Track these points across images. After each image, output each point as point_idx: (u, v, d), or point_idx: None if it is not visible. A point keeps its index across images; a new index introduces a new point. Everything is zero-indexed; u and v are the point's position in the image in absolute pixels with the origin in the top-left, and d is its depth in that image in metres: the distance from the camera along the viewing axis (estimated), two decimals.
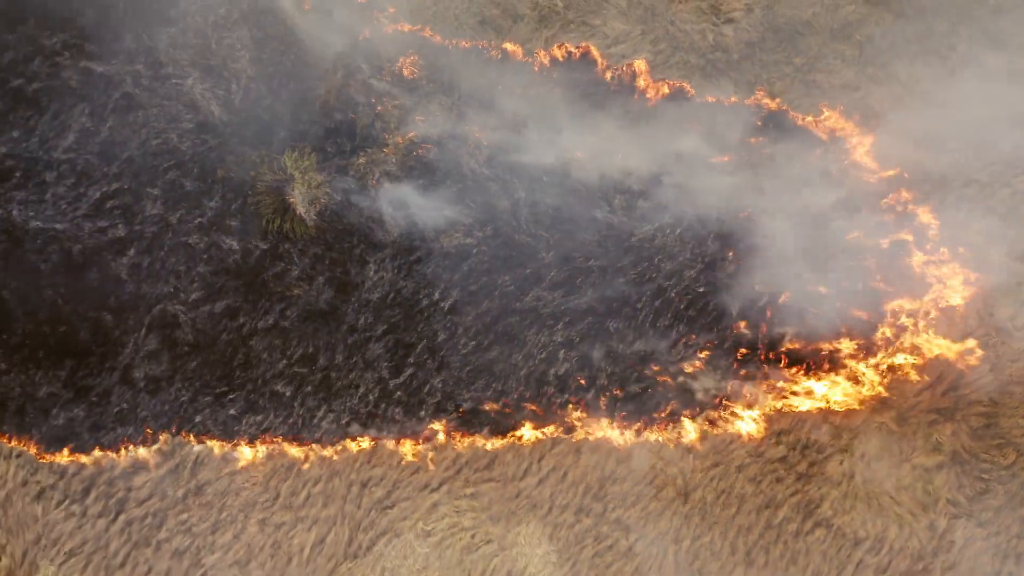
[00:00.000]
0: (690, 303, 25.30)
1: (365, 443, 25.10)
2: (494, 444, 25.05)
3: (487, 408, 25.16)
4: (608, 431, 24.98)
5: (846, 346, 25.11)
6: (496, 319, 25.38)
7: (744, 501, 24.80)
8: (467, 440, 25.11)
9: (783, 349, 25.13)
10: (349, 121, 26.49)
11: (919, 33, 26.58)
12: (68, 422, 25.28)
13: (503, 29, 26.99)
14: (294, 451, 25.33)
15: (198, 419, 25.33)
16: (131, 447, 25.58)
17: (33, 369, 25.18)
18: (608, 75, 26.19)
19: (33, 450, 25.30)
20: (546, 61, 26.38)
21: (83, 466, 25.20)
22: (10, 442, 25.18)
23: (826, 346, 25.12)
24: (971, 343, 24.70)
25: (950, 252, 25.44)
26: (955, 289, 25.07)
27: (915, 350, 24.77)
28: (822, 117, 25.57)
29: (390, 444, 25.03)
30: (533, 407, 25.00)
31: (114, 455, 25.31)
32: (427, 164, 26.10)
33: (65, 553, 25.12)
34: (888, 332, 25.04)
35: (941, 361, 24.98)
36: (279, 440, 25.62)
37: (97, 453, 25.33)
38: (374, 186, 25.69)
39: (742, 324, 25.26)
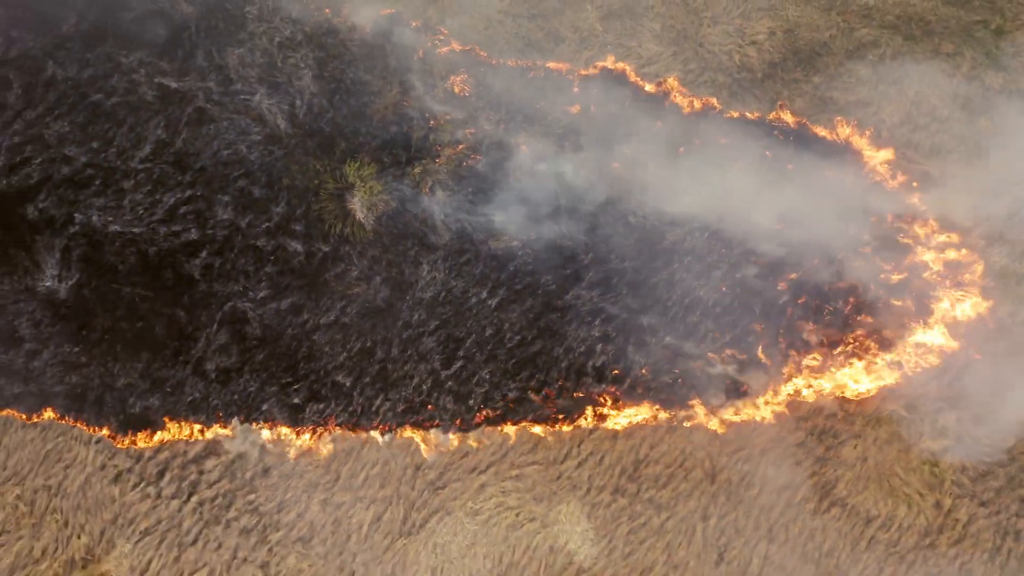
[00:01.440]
0: (716, 300, 26.13)
1: (418, 430, 26.00)
2: (537, 430, 25.81)
3: (531, 397, 25.99)
4: (641, 418, 25.79)
5: (861, 338, 25.84)
6: (539, 315, 26.37)
7: (766, 482, 25.45)
8: (512, 427, 25.82)
9: (802, 343, 25.93)
10: (404, 134, 27.57)
11: (927, 53, 27.73)
12: (144, 410, 26.35)
13: (546, 50, 28.18)
14: (354, 436, 26.16)
15: (265, 407, 26.29)
16: (204, 433, 26.46)
17: (112, 362, 26.44)
18: (644, 91, 27.12)
19: (111, 436, 26.39)
20: (585, 77, 27.20)
21: (158, 451, 26.22)
22: (90, 429, 26.24)
23: (843, 340, 25.92)
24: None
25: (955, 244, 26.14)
26: (961, 285, 25.93)
27: (922, 345, 25.62)
28: (837, 130, 26.65)
29: (440, 431, 25.88)
30: (573, 396, 25.89)
31: (188, 440, 26.27)
32: (476, 173, 27.15)
33: (140, 532, 25.99)
34: (898, 329, 25.73)
35: (947, 353, 25.76)
36: (340, 426, 26.44)
37: (172, 439, 26.35)
38: (427, 193, 26.73)
39: (764, 320, 25.95)
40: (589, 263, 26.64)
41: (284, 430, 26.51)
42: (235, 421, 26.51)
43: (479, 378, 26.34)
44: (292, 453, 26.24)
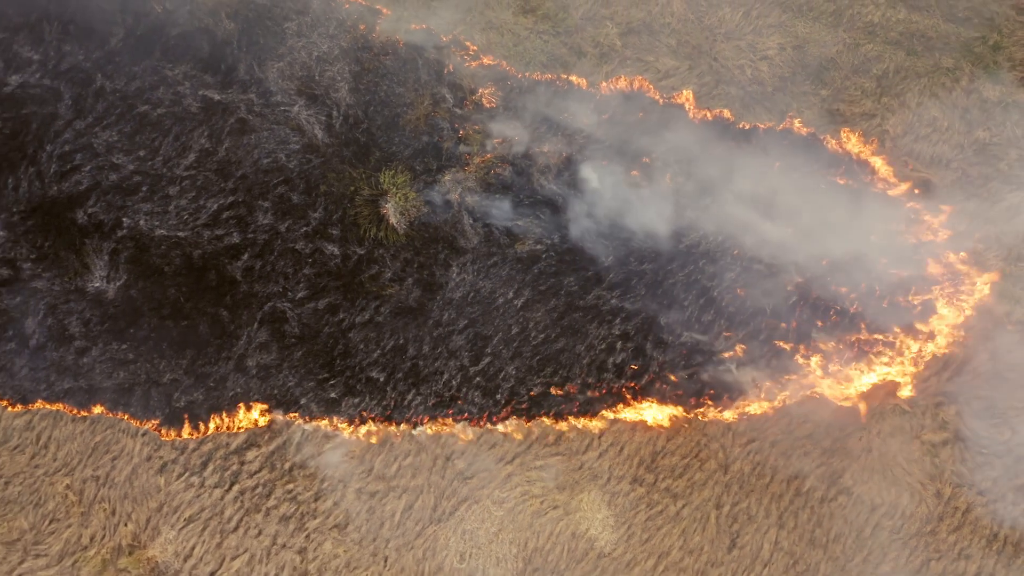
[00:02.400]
0: (730, 301, 26.72)
1: (448, 424, 26.42)
2: (560, 423, 26.28)
3: (554, 392, 26.54)
4: (659, 411, 26.31)
5: (865, 337, 26.29)
6: (562, 315, 26.84)
7: (776, 472, 25.90)
8: (537, 420, 26.31)
9: (810, 342, 26.42)
10: (435, 143, 28.04)
11: (928, 68, 28.25)
12: (188, 404, 26.83)
13: (569, 64, 28.59)
14: (387, 429, 26.60)
15: (303, 401, 26.76)
16: (244, 426, 26.89)
17: (158, 359, 26.95)
18: (660, 102, 27.59)
19: (157, 429, 26.83)
20: (606, 91, 27.82)
21: (201, 443, 26.64)
22: (137, 422, 26.72)
23: (849, 339, 26.40)
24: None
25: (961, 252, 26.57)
26: (963, 290, 26.41)
27: (925, 348, 26.23)
28: (841, 140, 27.25)
29: (468, 424, 26.37)
30: (594, 391, 26.33)
31: (230, 433, 26.69)
32: (503, 181, 27.71)
33: (184, 519, 26.43)
34: (906, 330, 26.31)
35: (947, 351, 26.21)
36: (374, 419, 26.84)
37: (214, 432, 26.78)
38: (457, 200, 27.23)
39: (775, 320, 26.54)
40: (610, 265, 27.09)
41: (321, 423, 26.80)
42: (275, 414, 26.82)
43: (505, 374, 26.78)
44: (329, 445, 26.49)
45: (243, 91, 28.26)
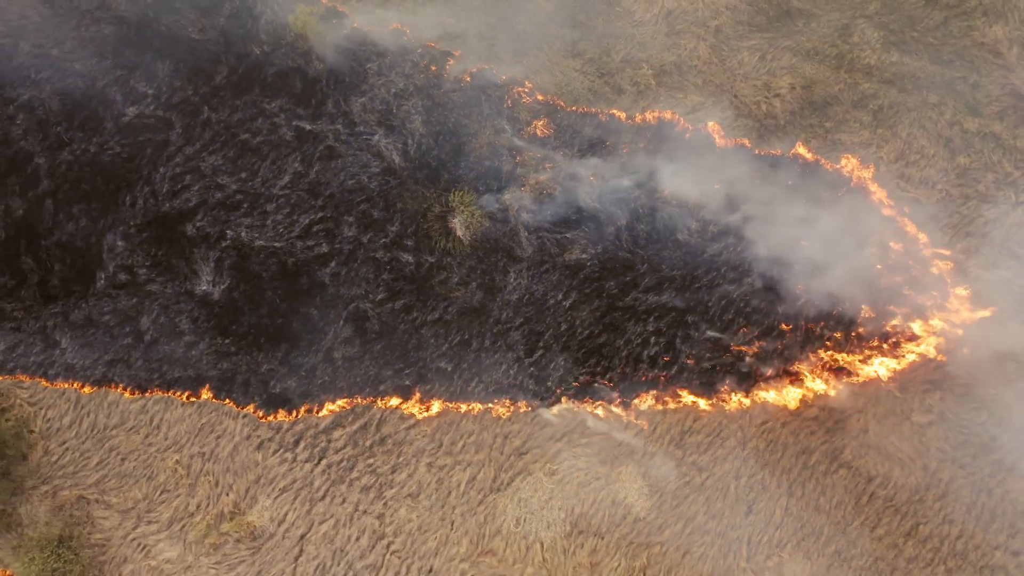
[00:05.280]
0: (747, 302, 28.57)
1: (506, 407, 28.16)
2: (602, 408, 28.00)
3: (598, 381, 28.39)
4: (687, 397, 27.96)
5: (864, 332, 27.73)
6: (604, 314, 28.65)
7: (787, 448, 27.01)
8: (583, 404, 28.10)
9: (817, 337, 28.05)
10: (496, 167, 29.70)
11: (917, 103, 29.47)
12: (283, 391, 28.62)
13: (611, 100, 30.18)
14: (454, 411, 28.15)
15: (382, 388, 28.48)
16: (331, 409, 28.41)
17: (256, 351, 28.79)
18: (687, 135, 29.35)
19: (255, 412, 28.41)
20: (641, 123, 29.64)
21: (294, 424, 28.07)
22: (238, 407, 28.38)
23: (851, 334, 28.04)
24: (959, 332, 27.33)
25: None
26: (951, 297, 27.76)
27: (912, 344, 27.60)
28: (843, 165, 28.94)
29: (523, 407, 28.08)
30: (632, 380, 28.18)
31: (318, 415, 28.32)
32: (554, 199, 29.35)
33: (279, 489, 27.74)
34: (900, 328, 27.69)
35: (933, 344, 27.50)
36: (443, 403, 28.37)
37: (305, 414, 28.36)
38: (514, 215, 29.05)
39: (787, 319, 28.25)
40: (645, 271, 28.86)
41: (397, 404, 28.29)
42: (358, 399, 28.32)
43: (555, 365, 28.51)
44: (404, 425, 27.90)
45: (331, 122, 29.89)
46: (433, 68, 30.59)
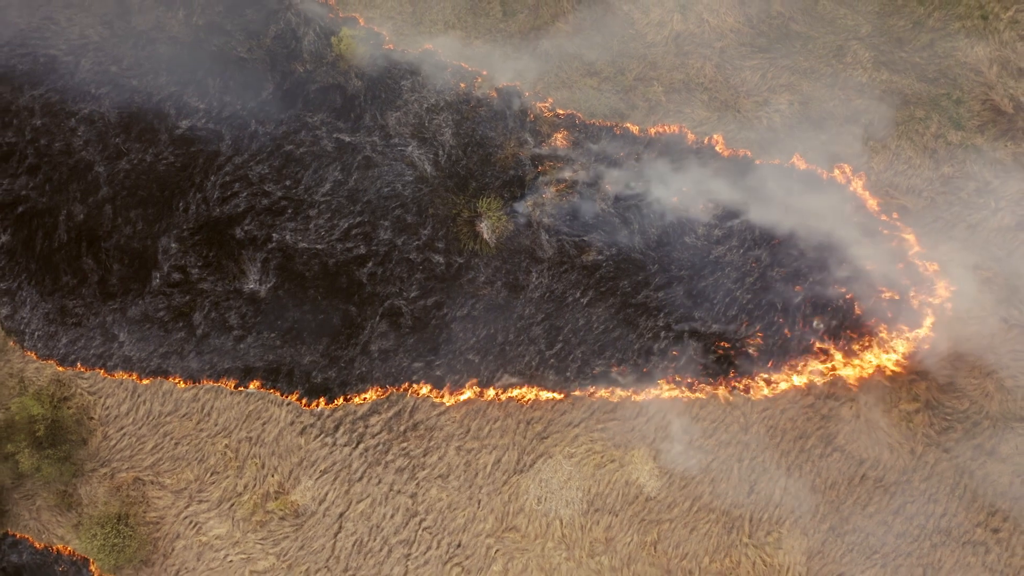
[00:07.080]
0: (749, 300, 29.76)
1: (531, 394, 29.34)
2: (617, 395, 29.17)
3: (612, 371, 29.56)
4: (694, 386, 29.05)
5: (856, 327, 28.88)
6: (618, 310, 29.92)
7: (785, 433, 27.90)
8: (599, 392, 29.26)
9: (812, 332, 29.17)
10: (520, 176, 30.94)
11: (904, 118, 30.27)
12: (324, 381, 29.89)
13: (625, 114, 31.33)
14: (481, 399, 29.29)
15: (415, 378, 29.69)
16: (368, 397, 29.60)
17: (299, 344, 30.03)
18: (694, 146, 30.57)
19: (299, 400, 29.60)
20: (653, 135, 30.91)
21: (334, 411, 29.24)
22: (283, 396, 29.66)
23: (843, 329, 29.24)
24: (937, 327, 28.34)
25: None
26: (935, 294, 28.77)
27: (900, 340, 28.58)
28: (836, 173, 29.95)
29: (545, 394, 29.16)
30: (643, 371, 29.33)
31: (356, 403, 29.49)
32: (572, 206, 30.56)
33: (320, 471, 28.78)
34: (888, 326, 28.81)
35: (919, 339, 28.45)
36: (471, 391, 29.53)
37: (344, 402, 29.53)
38: (536, 220, 30.35)
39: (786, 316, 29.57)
40: (656, 271, 30.08)
41: (429, 394, 29.44)
42: (393, 388, 29.46)
43: (574, 356, 29.70)
44: (435, 412, 29.02)
45: (368, 134, 31.18)
46: (462, 86, 31.65)
